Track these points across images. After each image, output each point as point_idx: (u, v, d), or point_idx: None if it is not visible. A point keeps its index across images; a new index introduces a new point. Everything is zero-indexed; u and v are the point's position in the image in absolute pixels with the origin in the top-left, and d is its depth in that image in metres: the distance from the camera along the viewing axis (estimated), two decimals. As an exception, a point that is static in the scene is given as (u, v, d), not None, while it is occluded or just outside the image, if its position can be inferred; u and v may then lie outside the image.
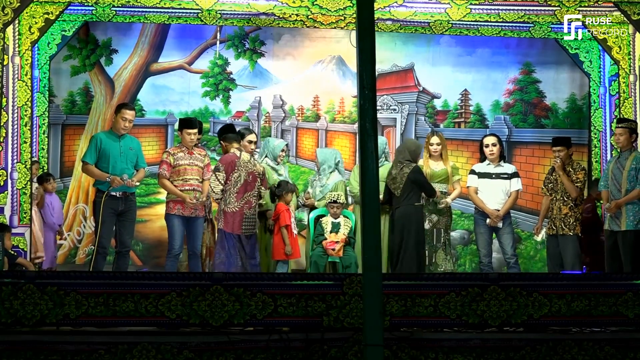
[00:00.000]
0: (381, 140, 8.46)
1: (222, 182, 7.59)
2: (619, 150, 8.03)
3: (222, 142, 8.08)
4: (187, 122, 7.92)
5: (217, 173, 7.61)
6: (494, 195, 8.11)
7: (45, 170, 9.16)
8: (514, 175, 8.23)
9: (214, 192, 7.62)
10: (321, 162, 8.43)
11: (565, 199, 8.06)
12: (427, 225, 8.00)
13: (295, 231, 8.13)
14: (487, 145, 8.21)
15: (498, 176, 8.18)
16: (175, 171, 7.80)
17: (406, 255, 7.66)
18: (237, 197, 7.58)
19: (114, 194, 7.44)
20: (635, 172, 7.64)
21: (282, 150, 8.36)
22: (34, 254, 8.43)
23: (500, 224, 8.08)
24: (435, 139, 8.17)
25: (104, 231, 7.45)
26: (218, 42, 9.93)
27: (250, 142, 7.96)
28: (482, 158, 8.32)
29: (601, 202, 8.66)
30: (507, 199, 8.11)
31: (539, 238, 8.31)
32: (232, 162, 7.63)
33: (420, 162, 8.26)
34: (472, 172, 8.33)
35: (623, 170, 7.72)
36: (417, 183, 7.74)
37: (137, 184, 7.70)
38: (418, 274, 7.01)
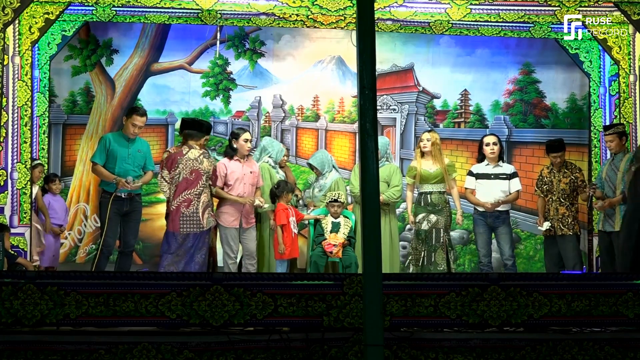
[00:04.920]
0: (384, 140, 8.49)
1: (166, 180, 7.43)
2: (611, 154, 8.07)
3: (181, 136, 7.83)
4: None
5: (161, 171, 7.48)
6: (493, 196, 8.12)
7: (46, 170, 9.17)
8: (513, 175, 8.25)
9: (162, 191, 7.49)
10: (320, 167, 8.48)
11: (562, 199, 8.08)
12: (425, 226, 8.01)
13: (295, 230, 8.14)
14: (487, 144, 8.23)
15: (497, 176, 8.19)
16: (176, 171, 7.81)
17: (622, 252, 7.66)
18: (176, 195, 7.40)
19: (120, 194, 7.47)
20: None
21: (285, 155, 8.42)
22: (34, 254, 8.42)
23: (499, 223, 8.11)
24: (425, 135, 8.19)
25: (109, 231, 7.47)
26: (218, 42, 9.93)
27: (246, 140, 7.97)
28: (481, 158, 8.34)
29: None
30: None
31: (543, 227, 8.24)
32: (173, 159, 7.45)
33: (414, 163, 8.27)
34: (470, 173, 8.36)
35: (617, 171, 7.77)
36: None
37: (140, 183, 7.70)
38: (418, 274, 7.01)
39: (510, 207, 8.39)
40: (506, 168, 8.30)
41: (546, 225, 8.12)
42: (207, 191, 7.49)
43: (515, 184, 8.22)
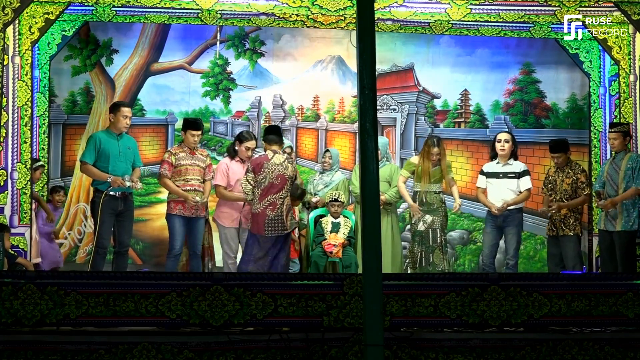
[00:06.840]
0: (383, 140, 8.50)
1: (252, 183, 7.49)
2: (612, 153, 8.07)
3: (263, 142, 7.88)
4: (192, 124, 7.92)
5: (247, 174, 7.54)
6: (502, 195, 8.08)
7: (45, 171, 9.16)
8: (524, 174, 8.18)
9: (244, 192, 7.54)
10: (333, 162, 8.56)
11: (564, 200, 8.06)
12: (421, 227, 8.00)
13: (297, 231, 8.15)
14: (499, 141, 8.21)
15: (505, 175, 8.16)
16: (177, 171, 7.80)
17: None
18: (261, 198, 7.43)
19: (113, 193, 7.44)
20: (631, 172, 7.70)
21: (288, 153, 8.38)
22: (33, 257, 8.42)
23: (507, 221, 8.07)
24: (435, 150, 8.10)
25: (103, 231, 7.44)
26: (218, 42, 9.93)
27: (247, 148, 7.96)
28: (493, 155, 8.31)
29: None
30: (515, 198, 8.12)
31: (546, 208, 8.15)
32: (259, 163, 7.50)
33: (414, 159, 8.26)
34: (481, 172, 8.35)
35: (619, 170, 7.78)
36: None
37: (141, 185, 7.71)
38: (418, 274, 7.01)
39: (522, 205, 8.33)
40: (516, 166, 8.23)
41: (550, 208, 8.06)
42: (288, 195, 7.56)
43: (526, 183, 8.15)
